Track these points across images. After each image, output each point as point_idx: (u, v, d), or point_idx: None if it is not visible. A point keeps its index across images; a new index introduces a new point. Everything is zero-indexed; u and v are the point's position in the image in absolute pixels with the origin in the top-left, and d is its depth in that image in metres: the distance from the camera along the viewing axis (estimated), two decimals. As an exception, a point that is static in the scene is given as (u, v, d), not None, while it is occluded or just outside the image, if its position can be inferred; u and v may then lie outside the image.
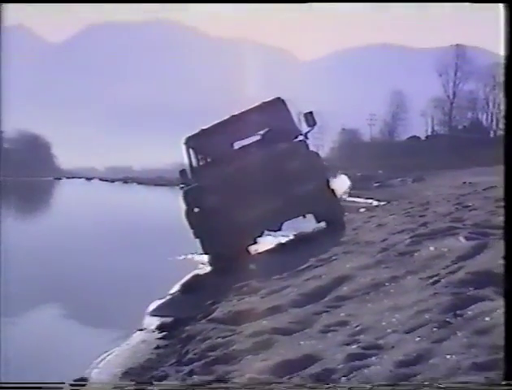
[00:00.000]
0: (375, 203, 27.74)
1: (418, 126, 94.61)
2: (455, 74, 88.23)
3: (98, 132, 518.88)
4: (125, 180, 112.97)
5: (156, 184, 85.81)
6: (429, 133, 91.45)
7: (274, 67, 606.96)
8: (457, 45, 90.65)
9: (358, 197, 33.71)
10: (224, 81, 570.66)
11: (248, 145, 14.10)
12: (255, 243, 13.74)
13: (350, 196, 33.26)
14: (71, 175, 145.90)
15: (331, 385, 4.27)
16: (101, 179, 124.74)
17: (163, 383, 5.12)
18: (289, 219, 13.32)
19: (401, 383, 3.94)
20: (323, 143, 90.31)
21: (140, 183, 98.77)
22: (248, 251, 13.56)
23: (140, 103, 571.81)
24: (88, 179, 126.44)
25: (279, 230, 13.56)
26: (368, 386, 4.04)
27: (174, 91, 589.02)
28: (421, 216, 11.99)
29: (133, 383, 5.31)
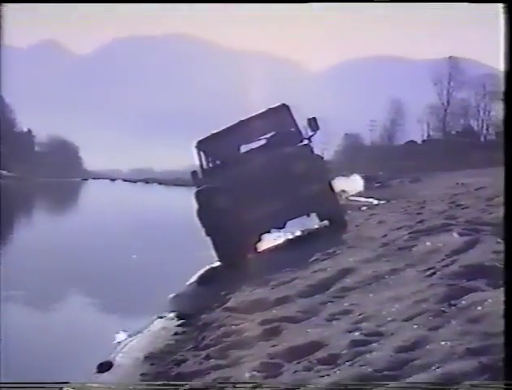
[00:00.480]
0: (376, 202, 27.61)
1: (415, 131, 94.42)
2: (449, 83, 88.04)
3: (122, 137, 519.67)
4: (146, 181, 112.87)
5: (175, 185, 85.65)
6: (425, 138, 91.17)
7: (282, 77, 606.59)
8: (450, 57, 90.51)
9: (360, 196, 33.63)
10: (236, 89, 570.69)
11: (255, 148, 13.96)
12: (260, 240, 13.78)
13: (352, 195, 33.23)
14: (97, 176, 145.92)
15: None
16: (124, 180, 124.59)
17: (168, 382, 5.09)
18: (294, 218, 13.28)
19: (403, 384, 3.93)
20: (328, 146, 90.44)
21: (160, 183, 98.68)
22: (255, 247, 13.58)
23: (160, 110, 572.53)
24: (113, 179, 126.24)
25: (283, 228, 13.55)
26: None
27: (190, 98, 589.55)
28: (418, 214, 11.99)
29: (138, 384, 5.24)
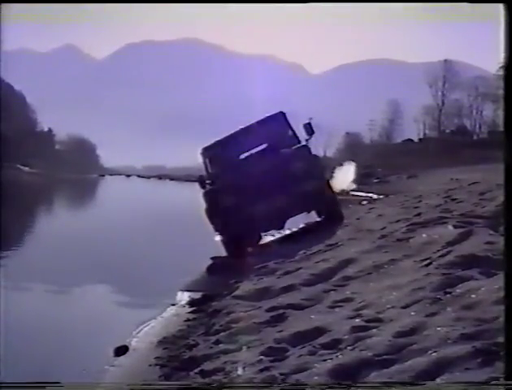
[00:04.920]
0: (375, 197, 27.57)
1: (412, 130, 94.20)
2: (443, 85, 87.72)
3: (135, 136, 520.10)
4: (159, 177, 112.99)
5: (185, 181, 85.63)
6: (421, 136, 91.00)
7: (286, 80, 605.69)
8: (445, 60, 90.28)
9: (361, 191, 33.55)
10: (242, 91, 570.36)
11: (255, 152, 13.93)
12: (261, 237, 13.85)
13: (353, 190, 33.15)
14: (113, 173, 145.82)
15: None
16: (138, 176, 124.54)
17: (168, 382, 5.07)
18: (294, 216, 13.34)
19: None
20: (330, 144, 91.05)
21: (172, 179, 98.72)
22: (258, 242, 13.67)
23: (171, 111, 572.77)
24: (128, 176, 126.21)
25: (282, 228, 13.62)
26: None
27: (199, 100, 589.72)
28: (415, 207, 11.95)
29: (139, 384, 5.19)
